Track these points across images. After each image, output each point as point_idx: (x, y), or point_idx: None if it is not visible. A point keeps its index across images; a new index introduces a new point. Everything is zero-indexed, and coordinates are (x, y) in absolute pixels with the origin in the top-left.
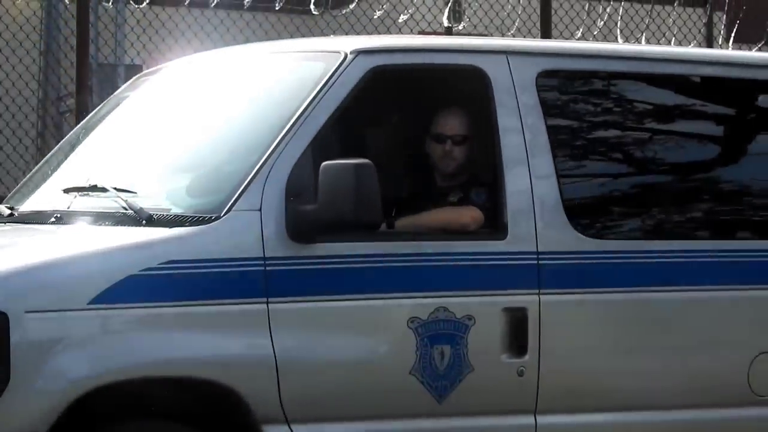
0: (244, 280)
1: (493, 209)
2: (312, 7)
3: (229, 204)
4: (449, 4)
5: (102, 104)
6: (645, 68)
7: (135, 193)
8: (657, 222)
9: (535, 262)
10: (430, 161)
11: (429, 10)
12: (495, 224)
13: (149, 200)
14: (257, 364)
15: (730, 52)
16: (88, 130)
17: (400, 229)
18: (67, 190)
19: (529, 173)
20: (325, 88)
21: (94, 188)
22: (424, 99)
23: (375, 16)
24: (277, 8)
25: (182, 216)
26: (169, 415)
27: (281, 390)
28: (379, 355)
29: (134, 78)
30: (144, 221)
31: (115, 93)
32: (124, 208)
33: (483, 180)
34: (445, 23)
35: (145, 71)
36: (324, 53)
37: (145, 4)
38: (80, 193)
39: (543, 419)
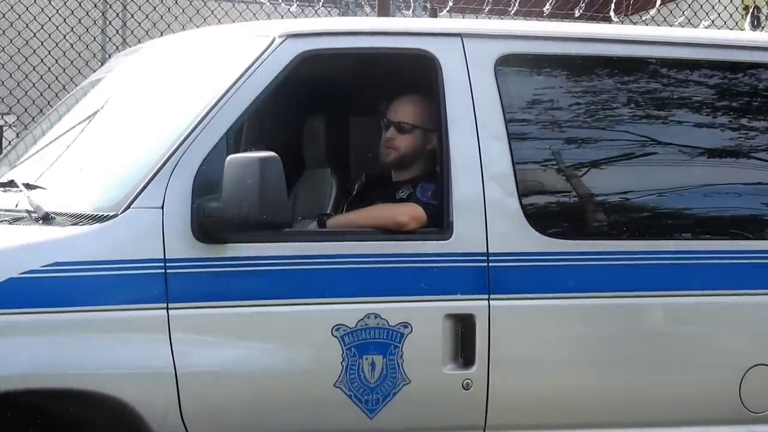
0: (140, 283)
1: (439, 207)
2: (612, 14)
3: (129, 201)
4: (751, 10)
5: (77, 88)
6: (616, 51)
7: (45, 188)
8: (625, 220)
9: (485, 264)
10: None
11: (731, 16)
12: (440, 223)
13: (58, 197)
14: (154, 375)
15: (711, 32)
16: (51, 119)
17: (331, 227)
18: None
19: (481, 168)
20: (246, 75)
21: (9, 184)
22: (366, 87)
23: (676, 23)
24: (577, 15)
25: (80, 214)
26: (58, 430)
27: (182, 404)
28: (297, 365)
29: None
30: (40, 220)
31: (92, 75)
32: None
33: (435, 176)
34: (747, 29)
35: (126, 50)
36: (253, 37)
37: None
38: (2, 188)
39: None
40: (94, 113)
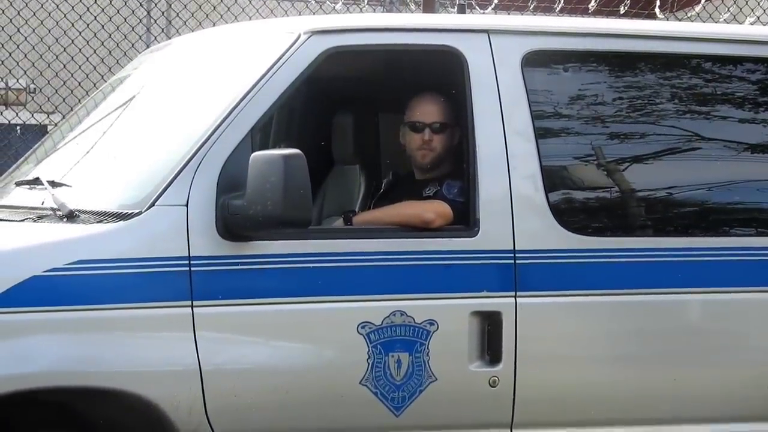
0: (165, 281)
1: (466, 204)
2: (657, 10)
3: (153, 199)
4: None
5: (107, 83)
6: (643, 47)
7: (70, 186)
8: (653, 217)
9: (512, 261)
10: (406, 153)
11: None
12: (466, 220)
13: (83, 194)
14: (178, 373)
15: (749, 28)
16: (79, 116)
17: (358, 225)
18: (18, 183)
19: (508, 165)
20: (272, 71)
21: (35, 181)
22: (393, 83)
23: (721, 19)
24: (622, 11)
25: (104, 212)
26: (84, 428)
27: (207, 402)
28: (323, 363)
29: (140, 54)
30: (65, 217)
31: (121, 71)
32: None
33: (462, 173)
34: None
35: (150, 48)
36: (279, 34)
37: None
38: (28, 186)
39: None
40: (121, 110)
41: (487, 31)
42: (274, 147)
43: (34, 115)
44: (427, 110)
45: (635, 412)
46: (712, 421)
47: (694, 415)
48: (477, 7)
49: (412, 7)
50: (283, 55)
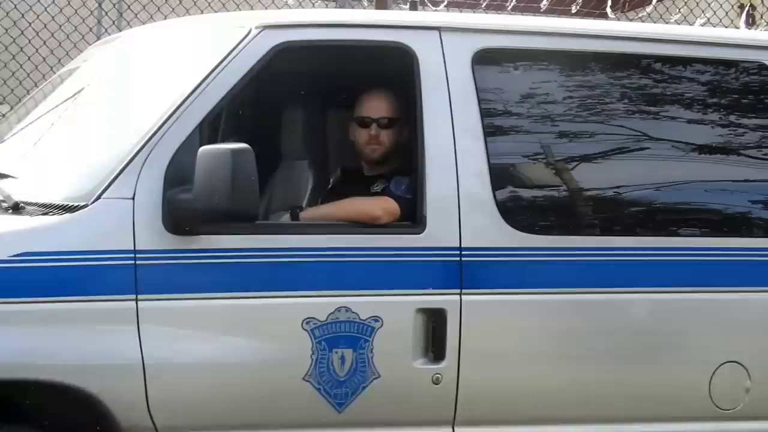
0: (110, 275)
1: (413, 201)
2: (608, 10)
3: (99, 192)
4: (746, 9)
5: (56, 75)
6: (594, 46)
7: (16, 178)
8: (600, 217)
9: (458, 258)
10: (355, 148)
11: (726, 14)
12: (413, 217)
13: (29, 186)
14: (121, 367)
15: (699, 29)
16: (27, 107)
17: (305, 220)
18: None
19: (456, 162)
20: (222, 66)
21: None
22: (344, 79)
23: (671, 20)
24: (573, 11)
25: (50, 205)
26: (25, 422)
27: (149, 397)
28: (267, 359)
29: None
30: (10, 209)
31: (70, 63)
32: None
33: (410, 170)
34: (742, 27)
35: (100, 40)
36: (230, 28)
37: None
38: None
39: (462, 431)
40: (70, 102)
41: (438, 29)
42: (223, 141)
43: None
44: (375, 106)
45: (579, 410)
46: (656, 421)
47: (639, 415)
48: (429, 4)
49: (365, 3)
50: (233, 49)
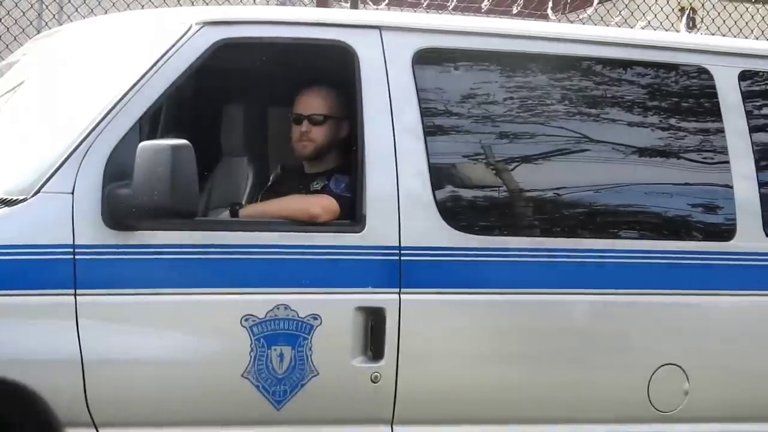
0: (48, 269)
1: (353, 199)
2: (549, 11)
3: (38, 186)
4: (687, 12)
5: None
6: (533, 48)
7: None
8: (537, 217)
9: (397, 258)
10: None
11: (667, 17)
12: (353, 216)
13: None
14: (59, 362)
15: (639, 32)
16: None
17: (244, 218)
18: None
19: (396, 162)
20: (162, 61)
21: None
22: (284, 77)
23: (612, 22)
24: (514, 12)
25: None
26: None
27: (88, 391)
28: (205, 355)
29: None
30: None
31: (10, 57)
32: None
33: (350, 168)
34: (683, 30)
35: (40, 34)
36: (170, 24)
37: None
38: None
39: (400, 430)
40: (9, 96)
41: (379, 27)
42: (162, 137)
43: None
44: (307, 103)
45: (517, 411)
46: (594, 422)
47: (577, 416)
48: (370, 2)
49: (306, 0)
50: (173, 45)
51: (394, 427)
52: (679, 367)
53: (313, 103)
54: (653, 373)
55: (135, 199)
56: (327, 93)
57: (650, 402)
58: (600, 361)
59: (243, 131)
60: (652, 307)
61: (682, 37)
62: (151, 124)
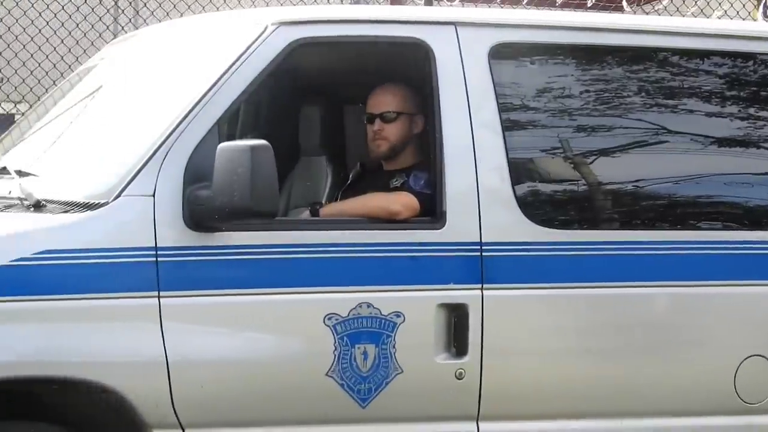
0: (132, 271)
1: (432, 196)
2: (624, 3)
3: (120, 189)
4: (763, 1)
5: (74, 73)
6: (610, 40)
7: (37, 176)
8: (619, 210)
9: (478, 253)
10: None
11: (743, 6)
12: (433, 212)
13: (50, 184)
14: (145, 364)
15: (716, 22)
16: (46, 105)
17: (324, 217)
18: None
19: (475, 157)
20: (239, 63)
21: (2, 171)
22: (361, 75)
23: (688, 13)
24: (589, 5)
25: (71, 202)
26: (50, 419)
27: (173, 393)
28: (289, 355)
29: (107, 45)
30: (32, 207)
31: (87, 62)
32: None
33: (429, 165)
34: (760, 19)
35: (116, 38)
36: (246, 25)
37: None
38: None
39: (486, 426)
40: (88, 100)
41: (454, 24)
42: (241, 138)
43: (2, 104)
44: (378, 101)
45: (602, 405)
46: (681, 415)
47: (662, 408)
48: (445, 0)
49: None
50: (250, 46)
51: (479, 423)
52: (766, 358)
53: (384, 100)
54: (740, 365)
55: (215, 200)
56: (397, 89)
57: (737, 394)
58: (685, 353)
59: (321, 130)
60: (736, 297)
61: (760, 25)
62: (230, 125)
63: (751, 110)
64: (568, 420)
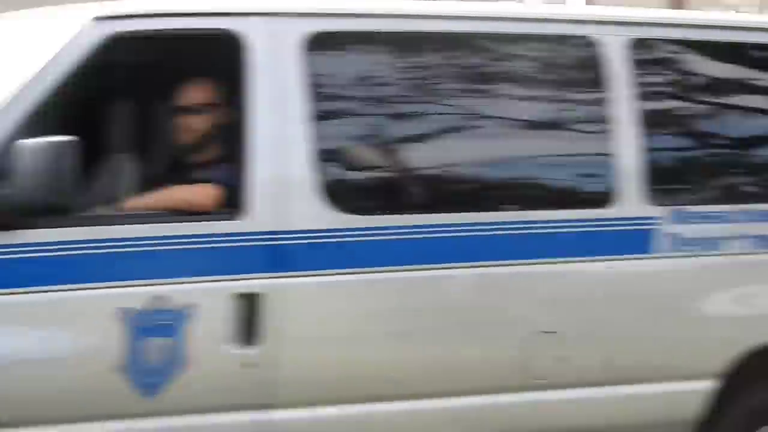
0: None
1: (234, 186)
2: None
3: None
4: None
5: None
6: (423, 27)
7: None
8: (423, 195)
9: (277, 242)
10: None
11: None
12: (235, 203)
13: None
14: None
15: (526, 7)
16: None
17: (127, 211)
18: None
19: (281, 148)
20: (52, 58)
21: None
22: (173, 69)
23: None
24: None
25: None
26: None
27: None
28: (78, 350)
29: None
30: None
31: None
32: None
33: (232, 156)
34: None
35: None
36: (63, 20)
37: None
38: None
39: (281, 414)
40: None
41: (266, 14)
42: (51, 134)
43: None
44: (186, 94)
45: (400, 388)
46: (476, 394)
47: (462, 388)
48: None
49: None
50: (66, 42)
51: (275, 411)
52: (556, 334)
53: (190, 93)
54: (530, 342)
55: (15, 197)
56: (204, 82)
57: (527, 370)
58: (479, 332)
59: (130, 126)
60: (535, 276)
61: (568, 9)
62: (40, 120)
63: (554, 93)
64: (372, 403)
